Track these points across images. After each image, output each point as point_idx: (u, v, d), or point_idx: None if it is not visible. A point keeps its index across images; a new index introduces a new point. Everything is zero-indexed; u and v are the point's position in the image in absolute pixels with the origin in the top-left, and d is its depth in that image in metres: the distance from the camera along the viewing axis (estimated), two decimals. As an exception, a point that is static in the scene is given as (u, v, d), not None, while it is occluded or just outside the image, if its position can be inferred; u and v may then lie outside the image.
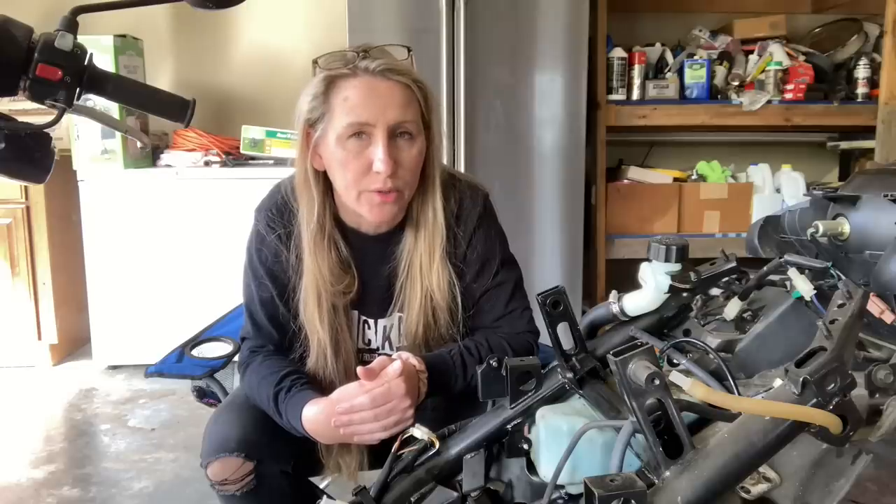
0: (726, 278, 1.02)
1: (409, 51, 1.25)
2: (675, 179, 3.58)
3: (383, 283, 1.30)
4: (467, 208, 1.30)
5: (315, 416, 1.16)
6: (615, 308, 1.03)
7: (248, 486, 1.20)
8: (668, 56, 3.52)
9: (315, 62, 1.21)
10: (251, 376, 1.27)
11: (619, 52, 3.41)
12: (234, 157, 3.28)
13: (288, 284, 1.28)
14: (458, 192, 1.30)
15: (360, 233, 1.30)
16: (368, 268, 1.30)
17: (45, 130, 0.92)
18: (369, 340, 1.35)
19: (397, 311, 1.32)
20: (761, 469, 0.76)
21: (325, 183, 1.26)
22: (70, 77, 0.89)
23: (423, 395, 1.17)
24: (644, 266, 1.00)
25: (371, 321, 1.34)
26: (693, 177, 3.62)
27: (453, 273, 1.28)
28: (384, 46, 1.21)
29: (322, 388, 1.24)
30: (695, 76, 3.44)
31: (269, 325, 1.30)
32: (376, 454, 1.27)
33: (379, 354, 1.30)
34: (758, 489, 0.76)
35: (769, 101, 3.40)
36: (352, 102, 1.17)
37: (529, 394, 0.96)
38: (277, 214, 1.29)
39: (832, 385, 0.68)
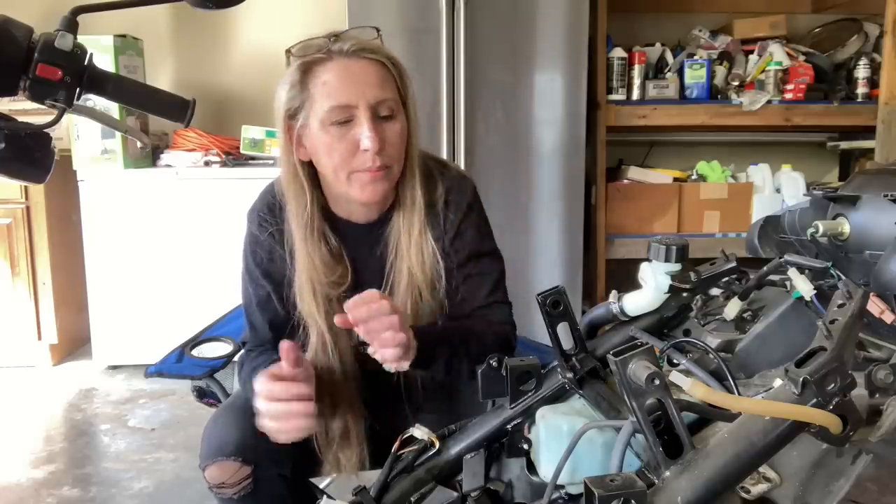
0: (726, 278, 1.02)
1: (377, 31, 1.25)
2: (675, 179, 3.58)
3: (377, 270, 1.30)
4: (455, 197, 1.31)
5: (261, 378, 1.10)
6: (615, 308, 1.03)
7: (245, 489, 1.20)
8: (668, 56, 3.52)
9: (288, 52, 1.21)
10: (245, 369, 1.29)
11: (619, 52, 3.41)
12: (234, 157, 3.29)
13: (283, 280, 1.28)
14: (447, 181, 1.31)
15: (351, 223, 1.30)
16: (361, 257, 1.30)
17: (45, 130, 0.92)
18: None
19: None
20: (761, 469, 0.76)
21: (312, 174, 1.26)
22: (70, 77, 0.89)
23: (412, 342, 1.09)
24: (644, 266, 1.00)
25: None
26: (693, 177, 3.62)
27: (436, 249, 1.28)
28: (352, 30, 1.23)
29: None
30: (695, 76, 3.44)
31: (268, 327, 1.31)
32: (376, 454, 1.27)
33: None
34: (758, 489, 0.76)
35: (769, 101, 3.40)
36: (331, 86, 1.17)
37: (529, 394, 0.96)
38: (269, 213, 1.29)
39: (832, 385, 0.68)
